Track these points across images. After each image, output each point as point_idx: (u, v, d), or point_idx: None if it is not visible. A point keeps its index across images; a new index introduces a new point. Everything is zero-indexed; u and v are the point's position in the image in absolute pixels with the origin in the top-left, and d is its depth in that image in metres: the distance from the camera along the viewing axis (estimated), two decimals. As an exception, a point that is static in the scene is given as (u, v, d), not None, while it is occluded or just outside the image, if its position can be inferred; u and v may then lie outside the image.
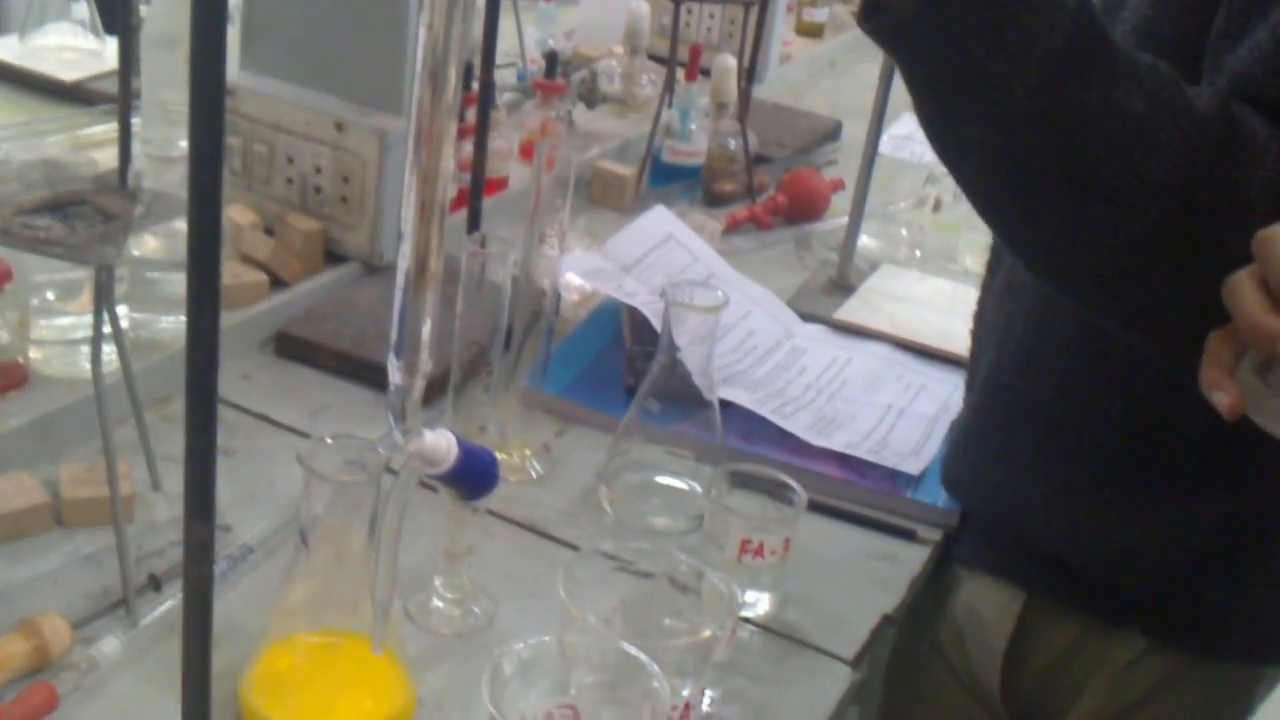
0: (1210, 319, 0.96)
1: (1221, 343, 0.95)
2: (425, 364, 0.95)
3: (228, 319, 1.53)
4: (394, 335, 0.93)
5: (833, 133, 2.66)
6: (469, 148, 1.73)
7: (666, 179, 2.29)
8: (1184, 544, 1.29)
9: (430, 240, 0.92)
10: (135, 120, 1.44)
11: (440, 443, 1.01)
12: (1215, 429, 0.98)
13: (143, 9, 1.61)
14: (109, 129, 1.90)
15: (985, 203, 1.10)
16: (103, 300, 1.18)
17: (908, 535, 1.47)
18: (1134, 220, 0.99)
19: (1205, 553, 1.29)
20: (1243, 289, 0.92)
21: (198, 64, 0.76)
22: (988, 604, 1.42)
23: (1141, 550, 1.30)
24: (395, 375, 0.95)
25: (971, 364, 1.49)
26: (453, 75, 0.89)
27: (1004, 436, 1.38)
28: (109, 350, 1.21)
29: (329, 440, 1.03)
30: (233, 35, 1.92)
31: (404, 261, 0.92)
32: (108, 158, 1.38)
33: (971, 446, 1.43)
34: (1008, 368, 1.36)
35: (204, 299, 0.82)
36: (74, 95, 2.19)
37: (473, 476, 1.06)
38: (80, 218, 1.14)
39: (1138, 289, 1.04)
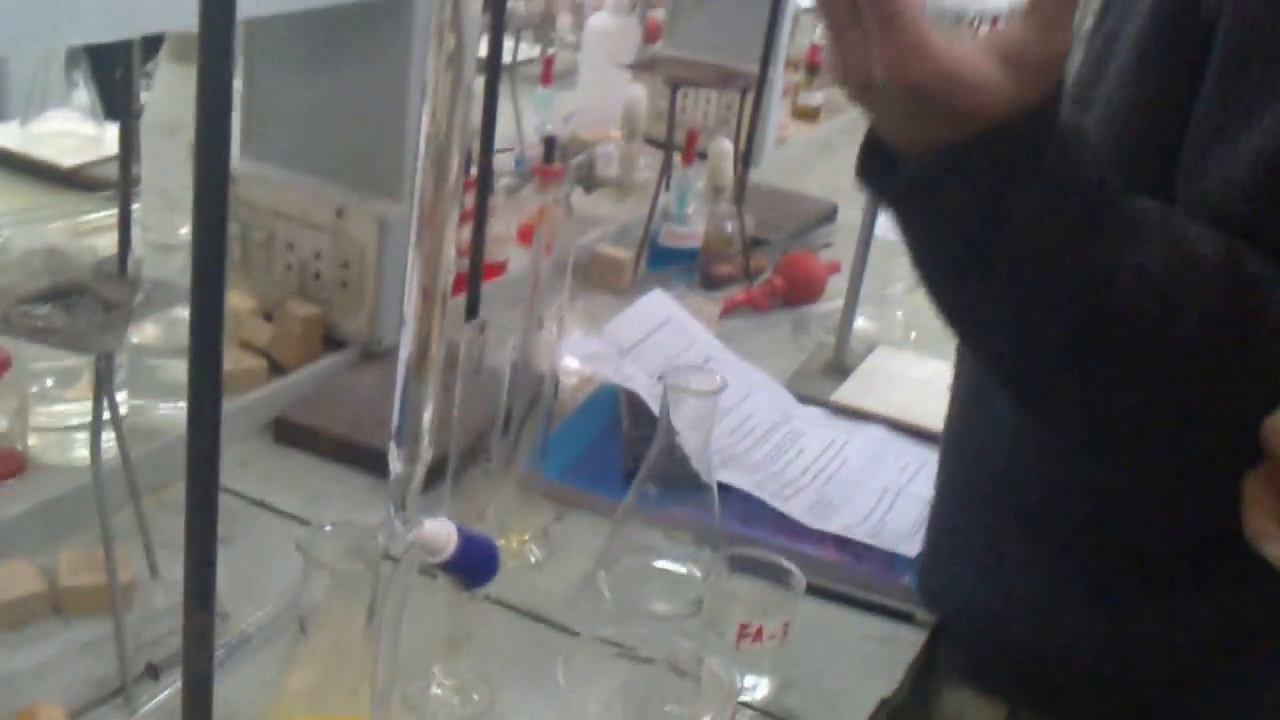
0: (1232, 459, 0.95)
1: (1264, 487, 0.94)
2: (426, 452, 0.95)
3: (226, 405, 1.52)
4: (394, 422, 0.93)
5: (829, 215, 2.67)
6: (468, 232, 1.73)
7: (664, 262, 2.30)
8: (1172, 653, 1.27)
9: (432, 326, 0.92)
10: (136, 207, 1.45)
11: (440, 531, 1.01)
12: (1203, 535, 0.98)
13: (143, 95, 1.62)
14: (109, 215, 1.91)
15: (998, 369, 1.08)
16: (102, 388, 1.18)
17: (906, 618, 1.46)
18: (1156, 380, 0.98)
19: (1194, 660, 1.27)
20: None
21: (203, 154, 0.76)
22: (973, 717, 1.41)
23: (1129, 661, 1.28)
24: (396, 464, 0.94)
25: (941, 473, 1.47)
26: (455, 161, 0.89)
27: (984, 549, 1.36)
28: (108, 437, 1.21)
29: (328, 528, 1.03)
30: (233, 121, 1.93)
31: (406, 347, 0.92)
32: (108, 244, 1.38)
33: (949, 557, 1.42)
34: (986, 477, 1.34)
35: (205, 387, 0.82)
36: (74, 181, 2.20)
37: (473, 565, 1.06)
38: (81, 306, 1.14)
39: (1160, 443, 1.03)
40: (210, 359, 0.81)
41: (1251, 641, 1.27)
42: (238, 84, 2.12)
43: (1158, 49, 1.11)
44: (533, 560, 1.47)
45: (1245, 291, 0.97)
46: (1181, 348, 0.97)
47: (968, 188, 0.96)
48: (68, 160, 2.25)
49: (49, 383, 1.43)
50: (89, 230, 1.98)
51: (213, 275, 0.79)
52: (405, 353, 0.92)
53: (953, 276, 1.03)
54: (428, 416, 0.93)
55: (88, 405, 1.20)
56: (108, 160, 2.19)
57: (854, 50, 0.93)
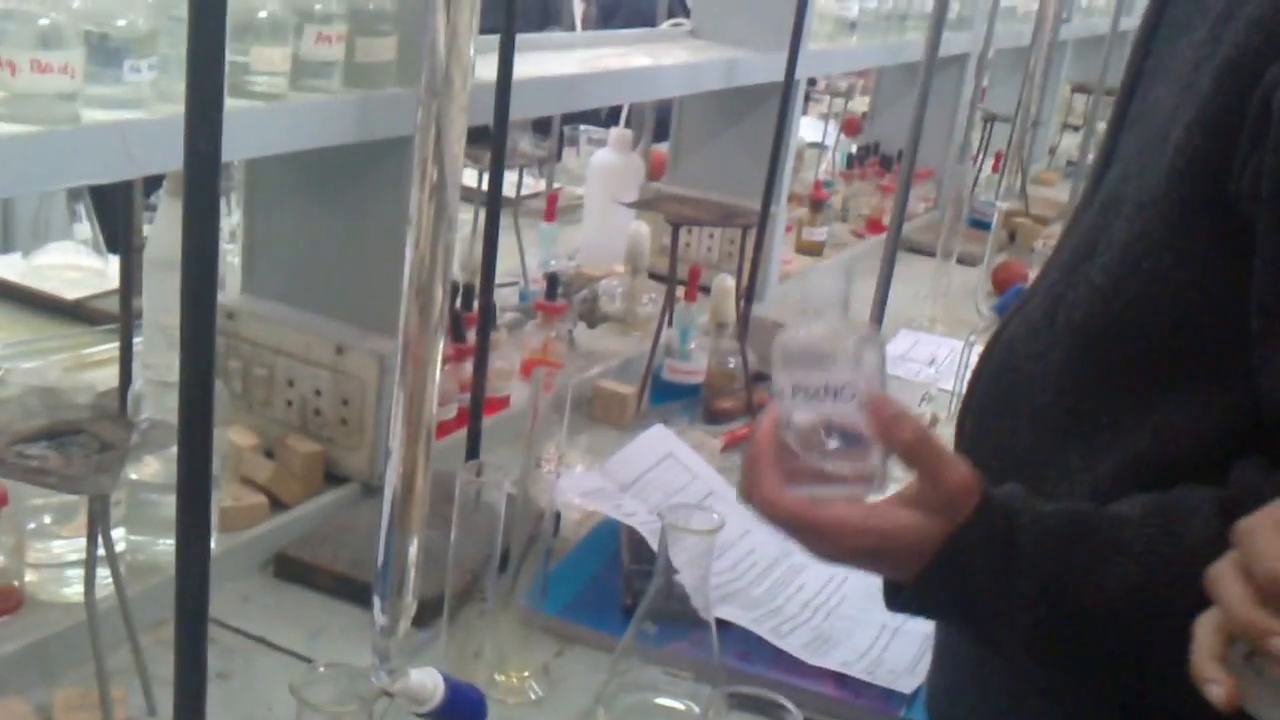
0: None
1: (1211, 631, 0.94)
2: (410, 606, 0.94)
3: (227, 541, 1.53)
4: (378, 568, 0.93)
5: (832, 350, 2.66)
6: (470, 368, 1.74)
7: (667, 397, 2.30)
8: None
9: (417, 460, 0.92)
10: (137, 339, 1.45)
11: (426, 682, 1.00)
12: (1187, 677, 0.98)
13: (145, 229, 1.63)
14: (111, 348, 1.92)
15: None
16: (98, 527, 1.18)
17: (904, 753, 1.45)
18: (1167, 667, 1.01)
19: None
20: (1226, 582, 0.91)
21: (189, 301, 0.77)
22: None
23: None
24: (380, 616, 0.94)
25: None
26: (439, 293, 0.89)
27: (977, 683, 1.35)
28: (105, 574, 1.21)
29: (321, 669, 1.03)
30: (235, 258, 1.95)
31: (391, 483, 0.92)
32: (109, 376, 1.38)
33: (947, 689, 1.41)
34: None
35: (194, 540, 0.82)
36: (77, 313, 2.22)
37: (460, 714, 1.06)
38: (76, 447, 1.15)
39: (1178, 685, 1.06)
40: (199, 507, 0.82)
41: None
42: (233, 221, 2.13)
43: (1180, 231, 1.10)
44: (533, 697, 1.46)
45: None
46: (1183, 638, 0.98)
47: (939, 613, 1.16)
48: (71, 293, 2.26)
49: (46, 519, 1.43)
50: (92, 363, 1.99)
51: (200, 420, 0.79)
52: (390, 489, 0.92)
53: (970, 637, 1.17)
54: (413, 558, 0.93)
55: (84, 541, 1.20)
56: (111, 293, 2.20)
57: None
